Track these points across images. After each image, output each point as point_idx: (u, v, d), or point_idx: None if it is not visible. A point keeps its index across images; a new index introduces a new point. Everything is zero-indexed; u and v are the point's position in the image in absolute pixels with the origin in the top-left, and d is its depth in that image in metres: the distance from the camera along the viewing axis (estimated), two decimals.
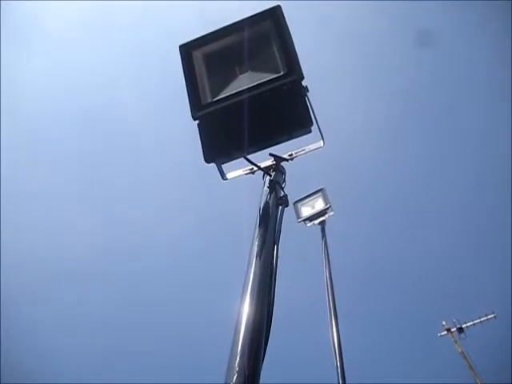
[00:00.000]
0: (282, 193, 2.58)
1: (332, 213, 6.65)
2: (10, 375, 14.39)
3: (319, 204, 6.70)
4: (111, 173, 18.91)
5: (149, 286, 17.83)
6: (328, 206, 6.63)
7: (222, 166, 2.71)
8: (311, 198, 6.79)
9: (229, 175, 2.79)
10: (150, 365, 16.73)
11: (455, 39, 16.82)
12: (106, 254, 18.38)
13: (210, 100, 2.55)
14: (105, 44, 18.26)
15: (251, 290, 1.86)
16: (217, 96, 2.55)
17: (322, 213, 6.62)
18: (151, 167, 19.11)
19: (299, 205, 6.75)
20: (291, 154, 2.80)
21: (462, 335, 11.49)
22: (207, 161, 2.51)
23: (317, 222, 6.60)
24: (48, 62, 18.03)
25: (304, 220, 6.65)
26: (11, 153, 17.43)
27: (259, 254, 2.07)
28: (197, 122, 2.56)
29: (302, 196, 6.87)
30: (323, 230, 6.45)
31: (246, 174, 2.82)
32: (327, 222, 6.57)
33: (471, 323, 11.61)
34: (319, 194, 6.81)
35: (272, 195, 2.49)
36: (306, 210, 6.70)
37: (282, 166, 2.76)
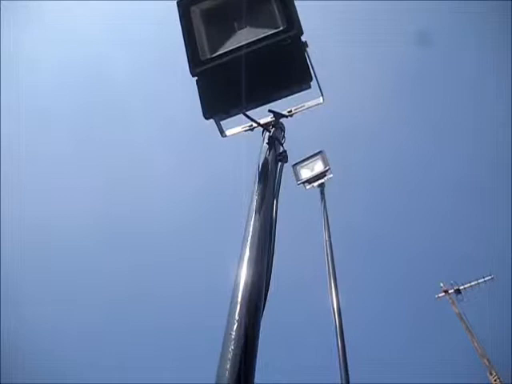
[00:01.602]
0: (282, 149, 2.58)
1: (331, 175, 6.65)
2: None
3: (318, 166, 6.69)
4: (109, 130, 18.83)
5: (149, 247, 17.94)
6: (327, 168, 6.62)
7: (221, 123, 2.70)
8: (310, 160, 6.77)
9: (228, 132, 2.78)
10: (154, 319, 16.95)
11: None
12: (106, 213, 18.42)
13: (208, 56, 2.51)
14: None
15: (250, 245, 1.87)
16: (215, 52, 2.51)
17: (321, 175, 6.62)
18: (149, 125, 19.02)
19: (298, 167, 6.73)
20: (290, 111, 2.80)
21: (459, 296, 11.62)
22: (206, 117, 2.49)
23: (316, 184, 6.60)
24: (44, 20, 17.80)
25: (303, 182, 6.65)
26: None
27: (258, 209, 2.07)
28: (195, 78, 2.53)
29: (302, 158, 6.84)
30: (322, 193, 6.46)
31: (245, 130, 2.81)
32: (326, 184, 6.58)
33: (468, 285, 11.72)
34: (318, 156, 6.79)
35: (271, 151, 2.48)
36: (305, 173, 6.69)
37: (282, 123, 2.76)
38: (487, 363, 10.68)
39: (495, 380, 10.36)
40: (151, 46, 18.54)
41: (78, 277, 18.01)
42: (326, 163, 6.67)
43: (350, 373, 4.12)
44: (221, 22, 2.61)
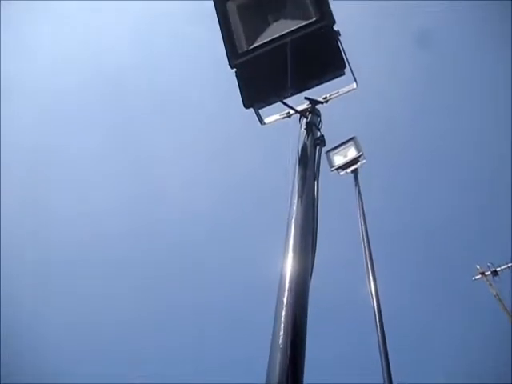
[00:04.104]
0: (319, 133, 2.70)
1: (364, 160, 6.71)
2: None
3: (351, 152, 6.74)
4: (138, 112, 18.84)
5: (190, 242, 18.04)
6: (360, 153, 6.67)
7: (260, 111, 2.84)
8: (343, 146, 6.81)
9: (266, 120, 2.91)
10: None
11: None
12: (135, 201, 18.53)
13: (245, 48, 2.65)
14: None
15: (295, 226, 1.99)
16: (252, 44, 2.65)
17: (355, 161, 6.67)
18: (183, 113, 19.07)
19: (331, 154, 6.78)
20: (326, 97, 2.91)
21: (496, 278, 11.59)
22: (246, 106, 2.64)
23: (349, 170, 6.66)
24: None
25: (337, 169, 6.71)
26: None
27: (301, 190, 2.21)
28: (234, 70, 2.67)
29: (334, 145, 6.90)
30: (356, 178, 6.51)
31: (283, 117, 2.93)
32: (360, 169, 6.64)
33: (506, 266, 11.67)
34: (351, 142, 6.83)
35: (309, 136, 2.61)
36: (339, 159, 6.73)
37: (317, 109, 2.87)
38: None
39: None
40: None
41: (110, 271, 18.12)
42: (358, 149, 6.73)
43: (389, 357, 4.20)
44: (256, 16, 2.74)
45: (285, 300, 1.64)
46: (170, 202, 18.42)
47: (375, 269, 5.05)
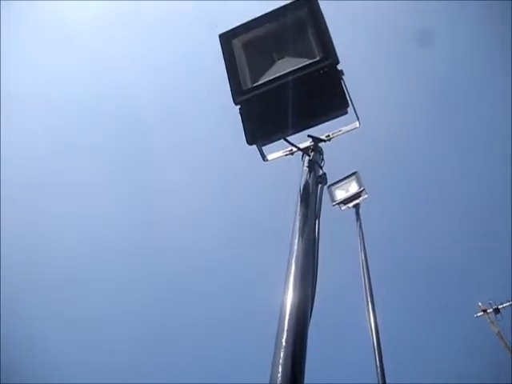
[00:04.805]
0: (321, 171, 2.71)
1: (366, 196, 6.71)
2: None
3: (353, 187, 6.75)
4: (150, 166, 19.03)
5: (193, 272, 17.96)
6: (362, 189, 6.68)
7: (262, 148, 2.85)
8: (345, 181, 6.84)
9: (269, 157, 2.92)
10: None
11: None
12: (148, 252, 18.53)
13: (250, 85, 2.69)
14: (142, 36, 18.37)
15: (295, 264, 1.99)
16: (257, 81, 2.69)
17: (356, 196, 6.67)
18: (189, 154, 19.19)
19: (333, 188, 6.79)
20: (328, 135, 2.93)
21: (498, 316, 11.51)
22: (249, 143, 2.65)
23: (351, 205, 6.66)
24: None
25: (338, 203, 6.71)
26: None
27: (302, 230, 2.20)
28: (238, 106, 2.70)
29: (336, 180, 6.90)
30: (358, 213, 6.51)
31: (286, 155, 2.95)
32: (362, 204, 6.64)
33: (508, 304, 11.60)
34: (353, 177, 6.85)
35: (311, 174, 2.62)
36: (340, 194, 6.74)
37: (320, 147, 2.89)
38: None
39: None
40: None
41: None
42: (360, 184, 6.74)
43: None
44: (261, 53, 2.78)
45: (284, 341, 1.63)
46: (175, 231, 18.47)
47: (375, 303, 5.03)
